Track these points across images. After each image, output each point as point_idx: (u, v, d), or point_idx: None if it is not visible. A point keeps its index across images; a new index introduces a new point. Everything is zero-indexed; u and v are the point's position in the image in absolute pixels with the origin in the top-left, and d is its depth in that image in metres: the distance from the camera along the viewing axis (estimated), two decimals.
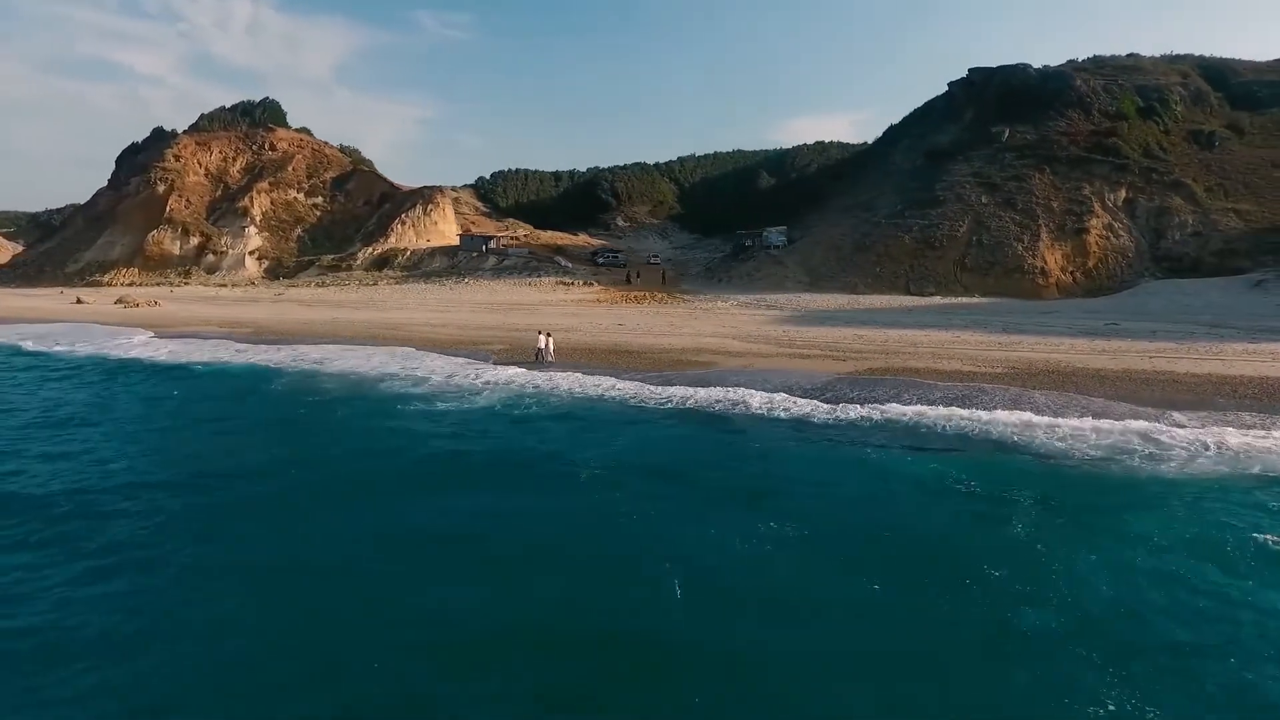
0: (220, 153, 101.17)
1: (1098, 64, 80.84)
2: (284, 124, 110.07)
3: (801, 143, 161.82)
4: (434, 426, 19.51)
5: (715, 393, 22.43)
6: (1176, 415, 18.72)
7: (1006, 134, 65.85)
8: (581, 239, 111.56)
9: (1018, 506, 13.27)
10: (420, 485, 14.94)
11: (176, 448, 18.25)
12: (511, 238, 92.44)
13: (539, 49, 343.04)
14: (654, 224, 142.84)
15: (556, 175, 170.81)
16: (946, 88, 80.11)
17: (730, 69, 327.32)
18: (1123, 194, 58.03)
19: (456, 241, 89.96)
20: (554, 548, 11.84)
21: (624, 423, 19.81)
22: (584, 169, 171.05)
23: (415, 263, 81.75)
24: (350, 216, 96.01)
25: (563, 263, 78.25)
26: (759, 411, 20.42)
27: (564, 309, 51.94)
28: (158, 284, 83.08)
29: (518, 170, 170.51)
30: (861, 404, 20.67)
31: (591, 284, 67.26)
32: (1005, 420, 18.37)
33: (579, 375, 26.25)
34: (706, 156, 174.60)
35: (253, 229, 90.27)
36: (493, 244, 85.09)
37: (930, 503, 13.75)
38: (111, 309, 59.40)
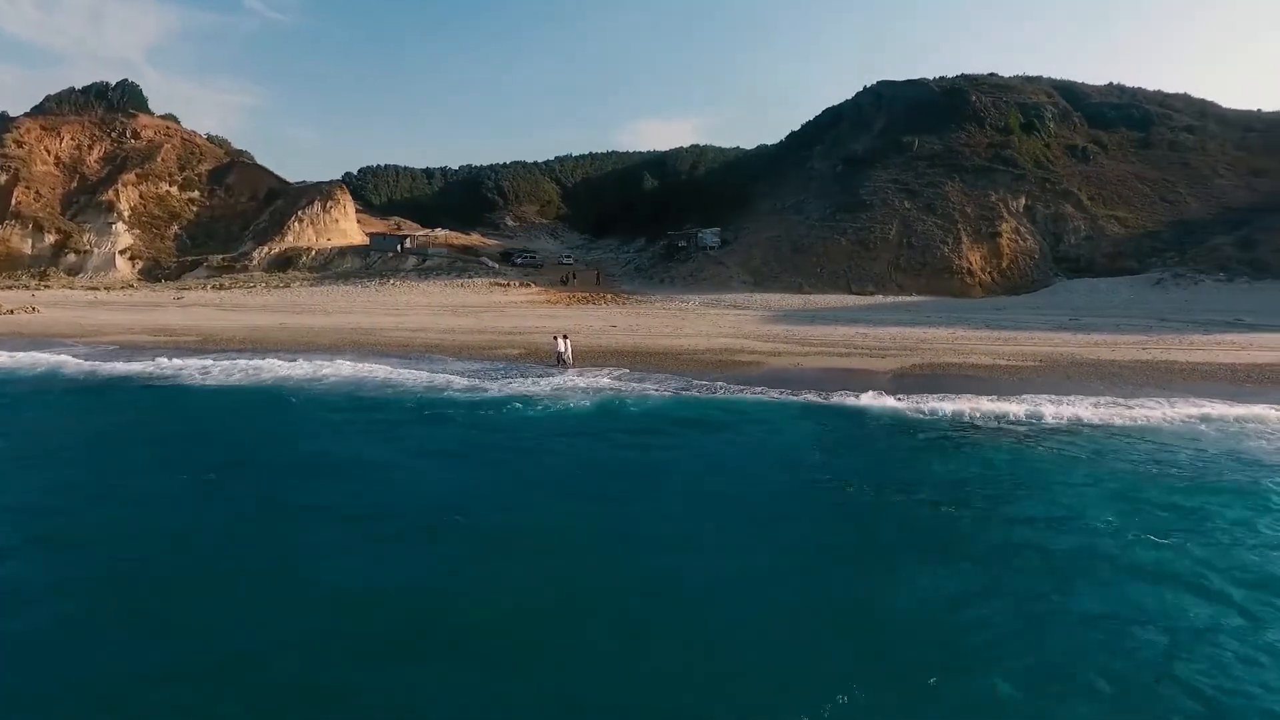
0: (73, 139, 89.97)
1: (971, 81, 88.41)
2: (146, 109, 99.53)
3: (652, 146, 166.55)
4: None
5: (823, 397, 23.05)
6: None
7: (916, 144, 71.19)
8: (475, 239, 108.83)
9: None
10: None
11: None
12: (412, 238, 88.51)
13: (377, 39, 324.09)
14: (544, 224, 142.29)
15: (428, 172, 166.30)
16: (853, 97, 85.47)
17: (576, 70, 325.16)
18: (1023, 201, 64.41)
19: (361, 240, 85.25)
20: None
21: (797, 420, 20.13)
22: (455, 166, 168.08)
23: (323, 263, 76.66)
24: (234, 213, 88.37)
25: (489, 263, 76.18)
26: (904, 413, 21.13)
27: (530, 310, 50.88)
28: (8, 287, 72.84)
29: (387, 166, 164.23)
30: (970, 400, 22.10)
31: (529, 285, 65.95)
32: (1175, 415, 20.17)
33: (644, 379, 25.82)
34: (584, 157, 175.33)
35: (121, 225, 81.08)
36: (409, 243, 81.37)
37: None
38: None
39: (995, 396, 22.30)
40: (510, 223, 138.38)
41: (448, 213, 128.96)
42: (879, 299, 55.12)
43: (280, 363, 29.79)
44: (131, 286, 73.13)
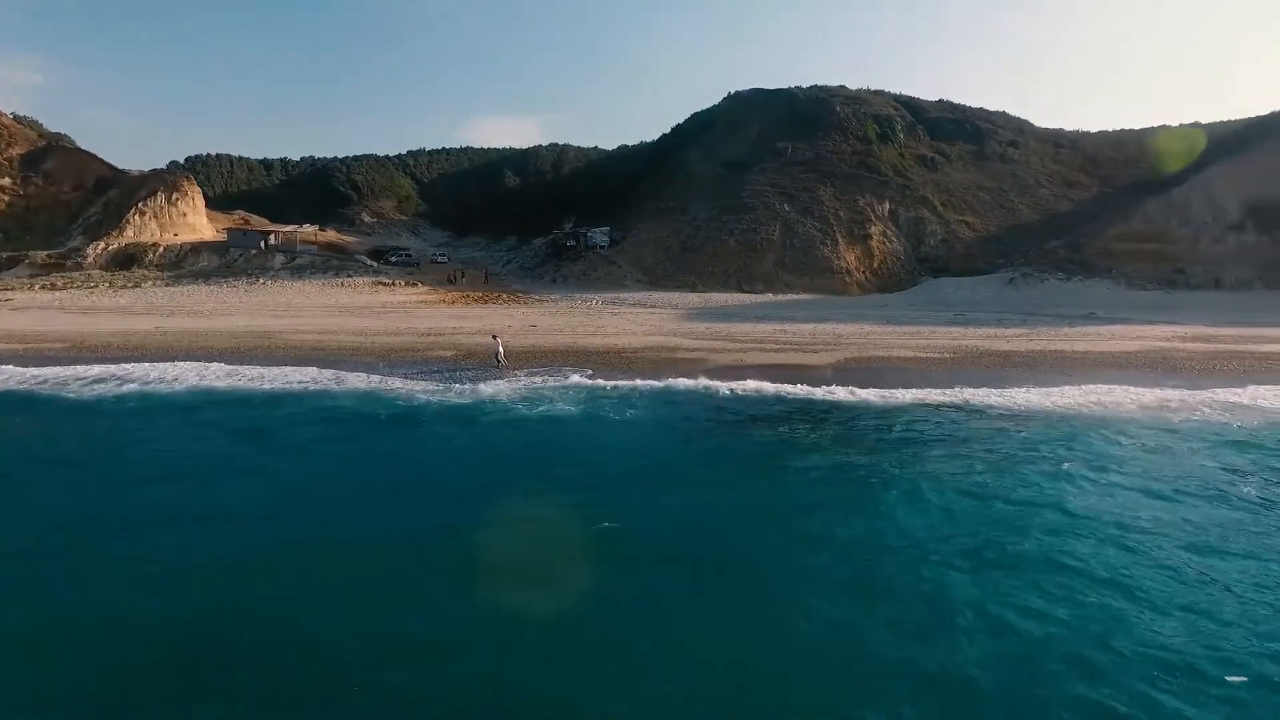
0: None
1: (827, 92, 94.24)
2: None
3: (497, 143, 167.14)
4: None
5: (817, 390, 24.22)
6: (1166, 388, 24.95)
7: (790, 149, 75.22)
8: (333, 235, 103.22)
9: None
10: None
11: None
12: (276, 234, 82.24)
13: (193, 17, 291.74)
14: (403, 220, 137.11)
15: (266, 163, 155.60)
16: (722, 103, 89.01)
17: (415, 64, 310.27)
18: (887, 206, 69.85)
19: (214, 236, 78.21)
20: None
21: (797, 413, 21.03)
22: (296, 158, 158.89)
23: (175, 261, 69.57)
24: (55, 204, 78.14)
25: (367, 261, 72.28)
26: (871, 402, 22.78)
27: (435, 310, 49.23)
28: None
29: (220, 155, 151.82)
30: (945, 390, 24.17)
31: (416, 284, 63.30)
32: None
33: (612, 376, 26.02)
34: (439, 152, 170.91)
35: None
36: (273, 240, 75.70)
37: None
38: None
39: (943, 387, 24.53)
40: (367, 219, 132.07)
41: (296, 207, 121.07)
42: (770, 297, 57.92)
43: (194, 368, 27.32)
44: None
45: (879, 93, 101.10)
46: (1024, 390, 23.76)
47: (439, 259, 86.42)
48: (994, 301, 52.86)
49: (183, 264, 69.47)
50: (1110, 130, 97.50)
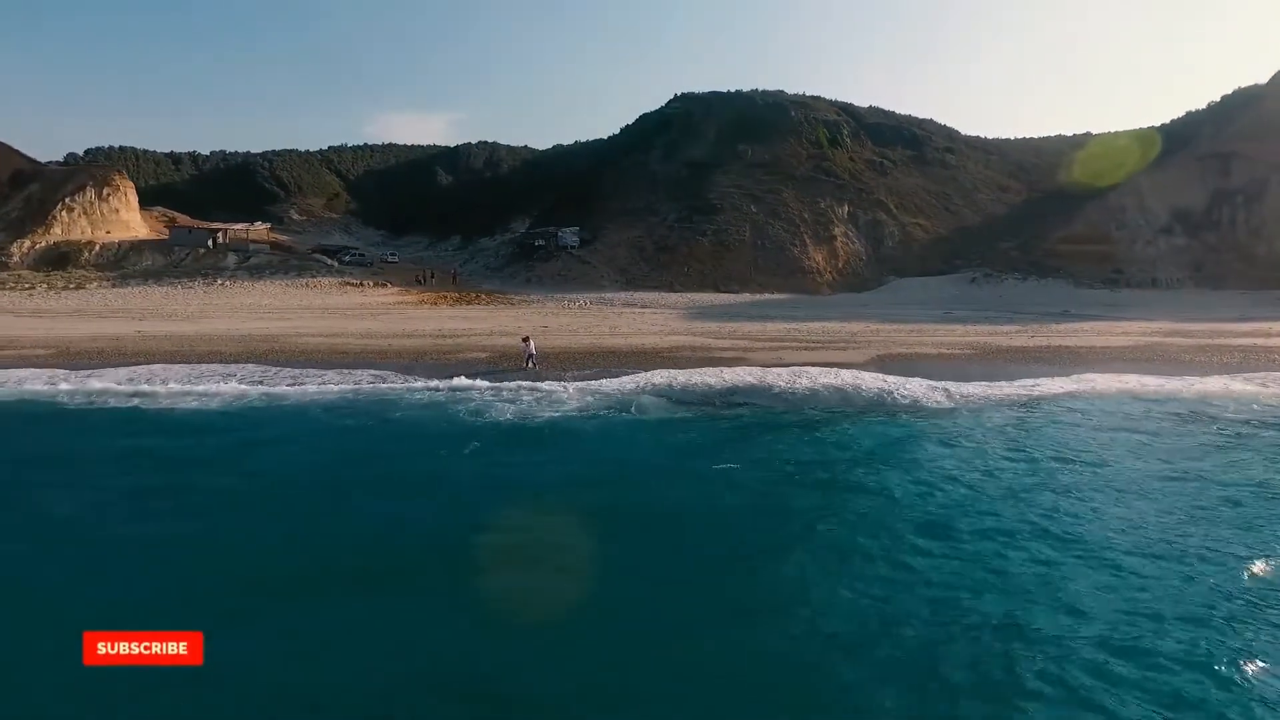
0: None
1: (771, 96, 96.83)
2: None
3: (404, 139, 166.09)
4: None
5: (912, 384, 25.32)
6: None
7: (750, 152, 77.01)
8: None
9: None
10: None
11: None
12: (224, 233, 78.01)
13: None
14: (334, 219, 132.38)
15: (174, 157, 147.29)
16: (673, 105, 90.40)
17: (316, 57, 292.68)
18: (846, 208, 72.57)
19: (147, 234, 73.73)
20: None
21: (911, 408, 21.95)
22: (207, 152, 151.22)
23: (114, 260, 65.13)
24: None
25: (328, 261, 69.60)
26: (934, 402, 23.99)
27: (433, 312, 48.36)
28: None
29: (123, 148, 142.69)
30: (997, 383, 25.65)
31: (386, 285, 61.48)
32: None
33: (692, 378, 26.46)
34: (362, 148, 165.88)
35: None
36: (222, 238, 71.90)
37: None
38: None
39: (993, 380, 26.01)
40: (296, 216, 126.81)
41: (217, 204, 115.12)
42: (748, 296, 59.32)
43: (232, 372, 26.23)
44: None
45: (817, 98, 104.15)
46: (1082, 378, 25.66)
47: (391, 259, 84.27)
48: (966, 300, 55.86)
49: (124, 264, 65.18)
50: (1025, 138, 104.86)
